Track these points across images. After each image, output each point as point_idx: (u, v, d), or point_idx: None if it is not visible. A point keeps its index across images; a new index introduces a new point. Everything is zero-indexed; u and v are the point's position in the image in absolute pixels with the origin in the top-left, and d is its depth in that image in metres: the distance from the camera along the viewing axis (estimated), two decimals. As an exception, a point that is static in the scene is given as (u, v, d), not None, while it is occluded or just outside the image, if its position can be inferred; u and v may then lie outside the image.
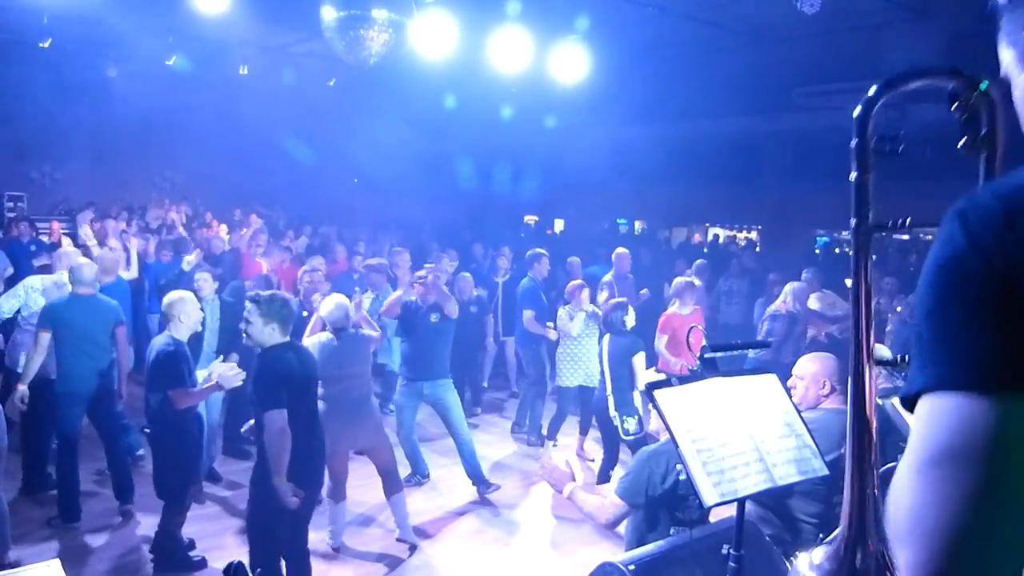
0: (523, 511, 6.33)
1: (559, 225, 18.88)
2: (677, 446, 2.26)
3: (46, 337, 5.51)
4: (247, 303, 4.27)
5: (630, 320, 6.24)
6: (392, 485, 5.44)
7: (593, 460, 7.41)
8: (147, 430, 5.02)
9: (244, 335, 4.25)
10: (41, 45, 10.37)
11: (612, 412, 6.05)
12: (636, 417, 6.00)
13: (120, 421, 6.07)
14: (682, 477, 3.17)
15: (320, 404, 5.09)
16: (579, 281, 7.62)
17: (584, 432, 7.54)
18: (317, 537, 5.27)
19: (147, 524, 5.57)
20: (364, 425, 5.29)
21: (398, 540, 5.43)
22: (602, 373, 6.25)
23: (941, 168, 10.98)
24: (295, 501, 4.00)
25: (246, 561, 2.06)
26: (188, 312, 5.11)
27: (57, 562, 2.58)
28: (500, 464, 7.31)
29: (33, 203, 17.11)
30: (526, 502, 6.52)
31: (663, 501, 3.14)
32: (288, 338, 4.24)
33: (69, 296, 5.73)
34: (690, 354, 3.82)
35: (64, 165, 17.81)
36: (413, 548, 5.41)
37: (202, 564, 5.09)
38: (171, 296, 5.22)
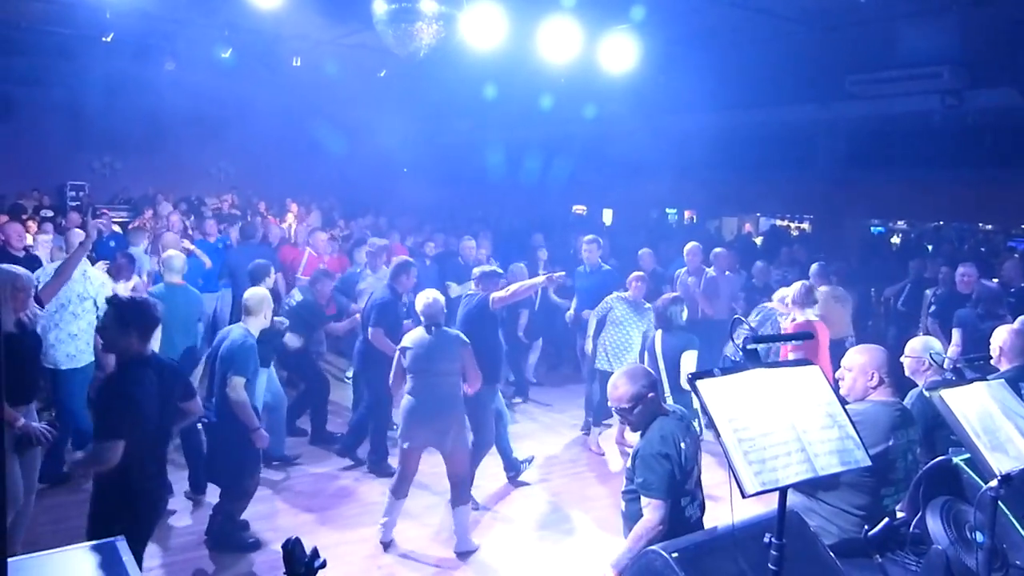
0: (567, 499, 6.39)
1: (607, 215, 18.81)
2: (719, 436, 2.29)
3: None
4: (105, 304, 3.92)
5: (683, 316, 6.09)
6: (459, 495, 5.28)
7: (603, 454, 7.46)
8: (205, 420, 5.10)
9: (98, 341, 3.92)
10: (103, 39, 10.68)
11: None
12: (697, 420, 5.44)
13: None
14: (682, 445, 3.35)
15: (407, 398, 5.27)
16: (640, 273, 7.61)
17: (597, 423, 7.57)
18: (349, 537, 5.44)
19: (206, 505, 5.79)
20: (445, 426, 5.19)
21: (456, 554, 5.28)
22: (657, 371, 5.88)
23: (1003, 155, 10.76)
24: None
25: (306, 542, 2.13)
26: (268, 313, 5.41)
27: (121, 537, 2.69)
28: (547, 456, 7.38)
29: (95, 192, 17.71)
30: (570, 491, 6.58)
31: (679, 482, 3.32)
32: (150, 350, 3.79)
33: (164, 286, 6.01)
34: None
35: (124, 156, 18.38)
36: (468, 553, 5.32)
37: (257, 545, 5.26)
38: (259, 293, 5.44)
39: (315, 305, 7.40)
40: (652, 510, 3.22)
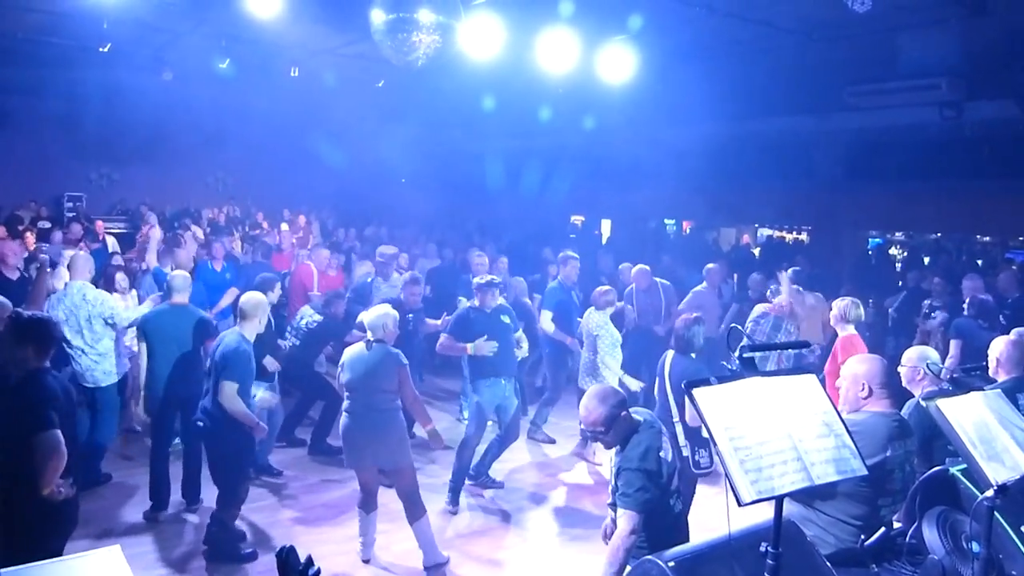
0: (565, 509, 6.37)
1: (606, 226, 18.83)
2: (715, 444, 2.28)
3: (142, 346, 5.94)
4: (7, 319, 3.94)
5: (700, 339, 5.40)
6: (413, 511, 5.16)
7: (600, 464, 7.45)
8: (200, 423, 5.17)
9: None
10: (100, 50, 10.70)
11: (682, 442, 5.11)
12: (707, 449, 5.15)
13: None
14: (662, 454, 3.40)
15: (343, 416, 5.17)
16: (606, 287, 7.78)
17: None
18: (345, 548, 5.38)
19: (202, 516, 5.77)
20: (386, 442, 5.07)
21: (425, 569, 5.16)
22: (664, 396, 5.33)
23: (1001, 166, 10.78)
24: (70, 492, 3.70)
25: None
26: (263, 319, 5.41)
27: (118, 547, 2.67)
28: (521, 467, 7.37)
29: (92, 203, 17.70)
30: (568, 499, 6.56)
31: (662, 491, 3.40)
32: (46, 364, 3.83)
33: (165, 306, 6.02)
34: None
35: (121, 166, 18.35)
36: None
37: (253, 556, 5.23)
38: (255, 298, 5.42)
39: (337, 325, 7.48)
40: (626, 520, 3.30)
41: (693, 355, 5.27)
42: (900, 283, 11.31)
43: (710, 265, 8.99)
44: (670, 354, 5.40)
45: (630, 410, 3.58)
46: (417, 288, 7.75)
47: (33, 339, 3.70)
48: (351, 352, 5.20)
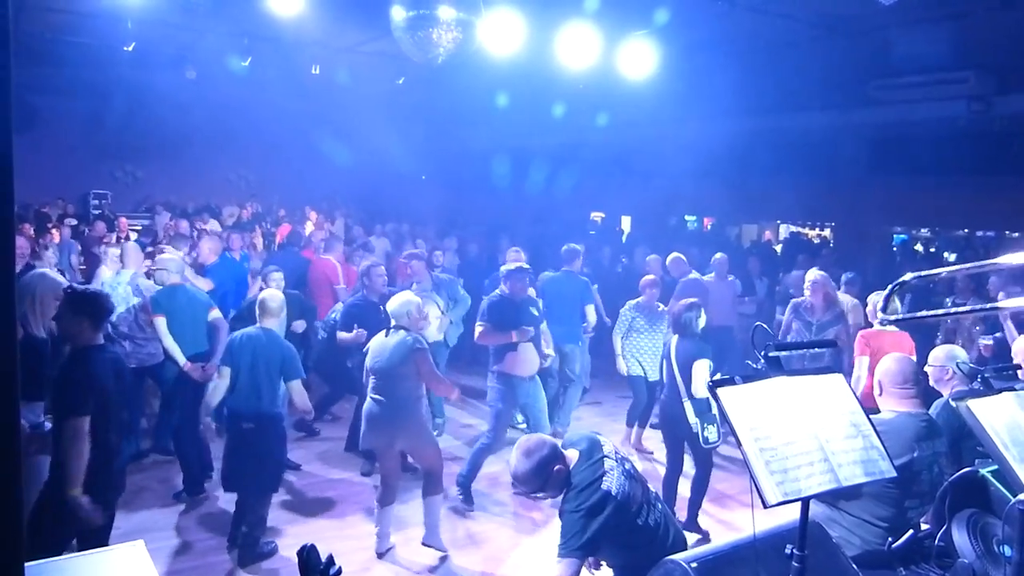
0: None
1: (626, 222, 18.75)
2: (740, 445, 2.24)
3: (162, 320, 6.00)
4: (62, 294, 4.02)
5: (701, 322, 5.88)
6: (431, 485, 5.24)
7: (652, 453, 7.48)
8: (244, 420, 5.11)
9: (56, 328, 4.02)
10: (125, 49, 10.80)
11: (692, 419, 5.56)
12: (715, 425, 5.57)
13: None
14: (604, 486, 3.01)
15: (368, 400, 5.23)
16: (652, 277, 7.69)
17: (643, 425, 7.61)
18: (362, 543, 5.38)
19: (216, 509, 5.80)
20: (406, 428, 5.15)
21: (423, 544, 5.24)
22: (672, 377, 5.77)
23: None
24: (94, 516, 3.70)
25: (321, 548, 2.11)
26: (284, 316, 5.55)
27: (141, 542, 2.69)
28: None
29: (117, 200, 17.90)
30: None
31: (619, 523, 3.03)
32: (102, 340, 3.94)
33: (168, 286, 6.13)
34: None
35: (145, 164, 18.56)
36: (443, 557, 5.25)
37: (274, 550, 5.24)
38: (279, 296, 5.51)
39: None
40: (561, 570, 2.96)
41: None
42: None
43: (718, 255, 8.90)
44: (674, 338, 5.85)
45: (565, 450, 3.22)
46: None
47: (88, 312, 3.79)
48: (375, 339, 5.32)
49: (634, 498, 3.08)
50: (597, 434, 3.34)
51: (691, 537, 5.72)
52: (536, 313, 6.35)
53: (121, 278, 6.62)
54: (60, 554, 3.47)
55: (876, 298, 6.08)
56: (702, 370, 5.61)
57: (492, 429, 6.19)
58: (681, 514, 5.77)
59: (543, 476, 3.06)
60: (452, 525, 5.78)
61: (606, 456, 3.15)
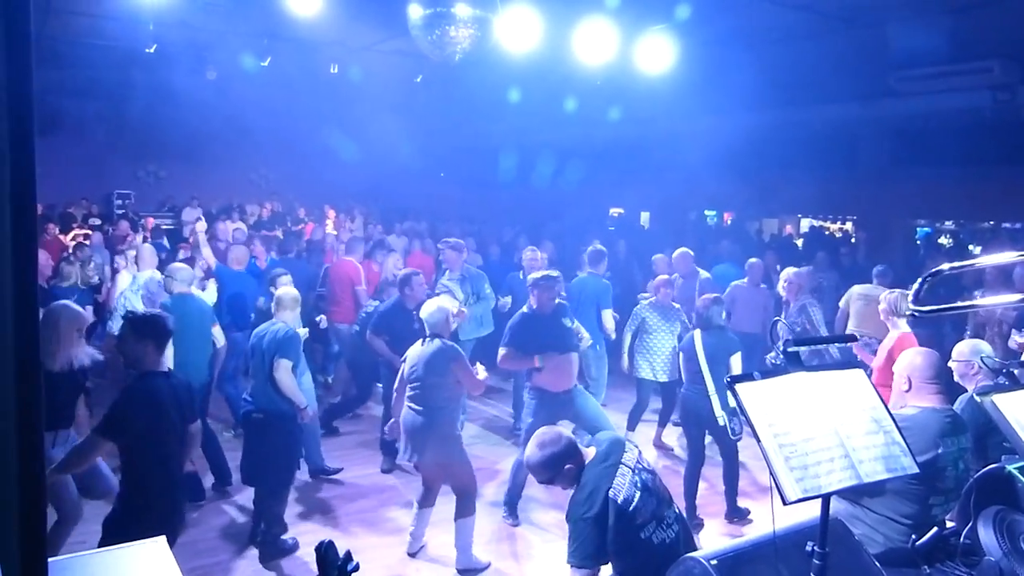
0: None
1: (644, 218, 18.67)
2: (759, 441, 2.23)
3: None
4: (122, 320, 4.07)
5: (723, 316, 6.00)
6: (463, 507, 5.08)
7: (672, 449, 7.50)
8: (257, 415, 5.25)
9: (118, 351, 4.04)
10: (147, 51, 10.90)
11: (718, 412, 5.57)
12: (736, 419, 5.58)
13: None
14: (611, 493, 2.99)
15: (405, 409, 5.14)
16: (665, 277, 7.65)
17: (663, 423, 7.61)
18: (395, 539, 5.41)
19: (236, 505, 5.86)
20: (441, 439, 5.03)
21: (457, 571, 5.06)
22: (697, 371, 5.75)
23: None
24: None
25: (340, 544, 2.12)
26: (298, 311, 5.64)
27: (163, 538, 2.71)
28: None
29: (140, 200, 18.11)
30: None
31: (619, 530, 3.00)
32: (163, 365, 3.97)
33: (173, 296, 6.10)
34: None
35: (168, 164, 18.77)
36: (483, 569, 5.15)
37: (295, 547, 5.27)
38: (293, 292, 5.71)
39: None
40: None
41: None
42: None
43: (752, 260, 8.66)
44: (697, 332, 5.89)
45: (587, 447, 3.27)
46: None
47: (151, 335, 3.82)
48: (413, 349, 5.21)
49: (641, 511, 3.03)
50: (628, 440, 3.33)
51: (732, 529, 5.78)
52: (569, 324, 5.93)
53: (139, 281, 6.63)
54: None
55: (890, 296, 5.92)
56: (737, 363, 5.75)
57: (523, 444, 6.05)
58: (711, 507, 5.88)
59: (552, 470, 3.14)
60: (496, 535, 5.69)
61: (623, 463, 3.13)
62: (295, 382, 5.30)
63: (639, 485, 3.08)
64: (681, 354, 6.10)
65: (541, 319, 5.73)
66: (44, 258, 7.56)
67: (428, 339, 5.14)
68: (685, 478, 5.89)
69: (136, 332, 3.81)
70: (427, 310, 5.22)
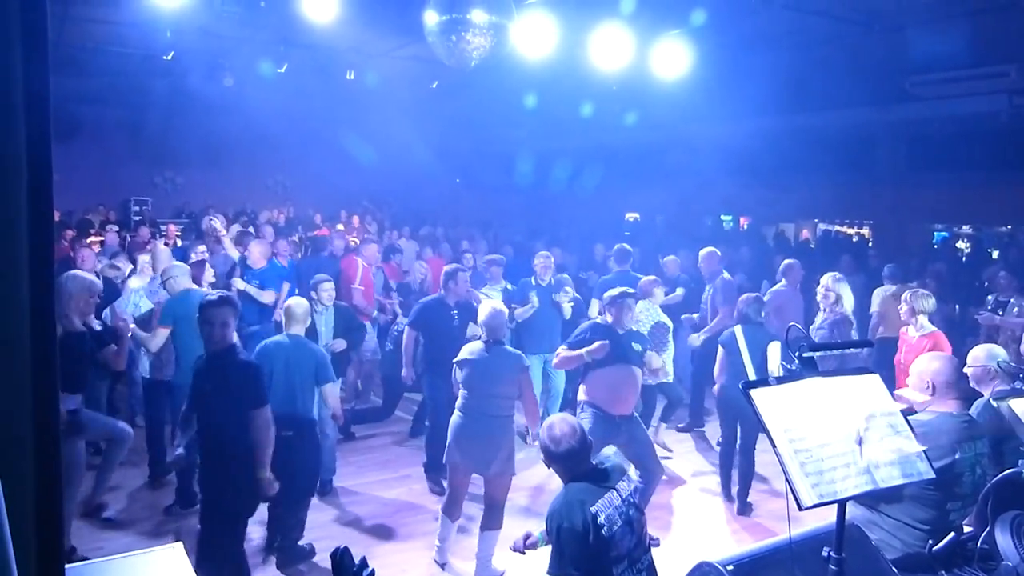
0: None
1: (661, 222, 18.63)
2: (774, 446, 2.22)
3: (165, 333, 5.84)
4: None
5: (762, 313, 6.30)
6: (492, 519, 4.93)
7: (671, 451, 7.56)
8: (289, 433, 4.96)
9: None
10: (164, 58, 11.00)
11: None
12: None
13: None
14: (593, 509, 2.91)
15: (456, 414, 5.01)
16: (652, 277, 7.63)
17: (664, 420, 7.70)
18: (423, 554, 5.35)
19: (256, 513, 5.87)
20: (491, 449, 4.83)
21: None
22: (739, 363, 6.01)
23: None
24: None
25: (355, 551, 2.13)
26: (308, 321, 5.45)
27: (180, 545, 2.74)
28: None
29: (157, 207, 18.26)
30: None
31: (593, 554, 2.89)
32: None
33: (183, 290, 6.06)
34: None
35: (184, 171, 18.92)
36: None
37: (312, 553, 5.27)
38: (303, 303, 5.42)
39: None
40: None
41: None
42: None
43: (788, 261, 8.21)
44: (738, 327, 6.19)
45: (593, 460, 3.25)
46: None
47: (233, 315, 4.26)
48: (469, 350, 5.00)
49: (618, 544, 2.92)
50: (630, 474, 3.34)
51: (733, 529, 5.75)
52: (639, 348, 5.53)
53: (154, 284, 6.65)
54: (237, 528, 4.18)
55: (908, 295, 5.92)
56: (775, 352, 5.87)
57: None
58: (711, 508, 6.18)
59: (550, 459, 3.21)
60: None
61: (616, 489, 3.05)
62: (339, 402, 5.49)
63: (623, 516, 2.99)
64: (721, 349, 6.28)
65: (612, 333, 5.38)
66: (91, 264, 7.58)
67: (491, 344, 4.92)
68: (720, 458, 6.49)
69: (217, 313, 4.17)
70: (486, 314, 4.98)
